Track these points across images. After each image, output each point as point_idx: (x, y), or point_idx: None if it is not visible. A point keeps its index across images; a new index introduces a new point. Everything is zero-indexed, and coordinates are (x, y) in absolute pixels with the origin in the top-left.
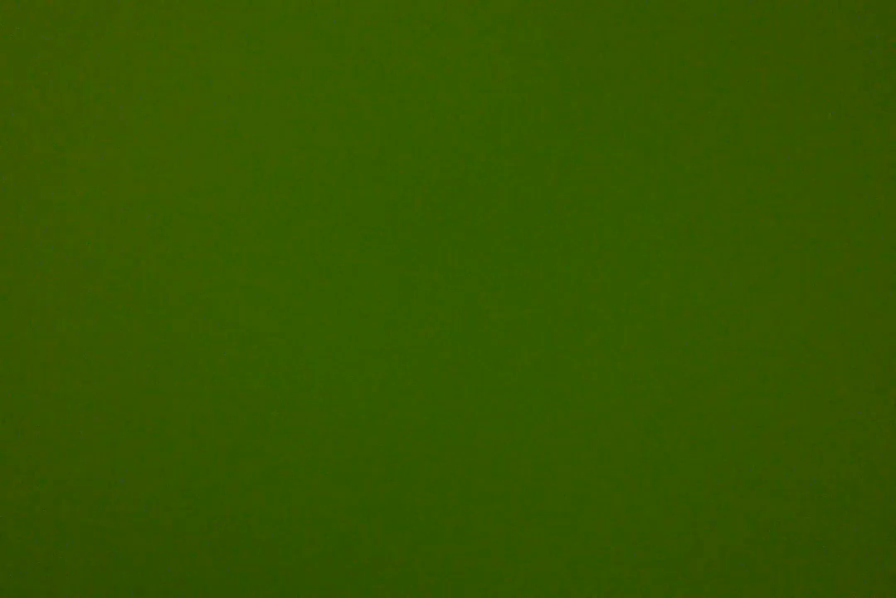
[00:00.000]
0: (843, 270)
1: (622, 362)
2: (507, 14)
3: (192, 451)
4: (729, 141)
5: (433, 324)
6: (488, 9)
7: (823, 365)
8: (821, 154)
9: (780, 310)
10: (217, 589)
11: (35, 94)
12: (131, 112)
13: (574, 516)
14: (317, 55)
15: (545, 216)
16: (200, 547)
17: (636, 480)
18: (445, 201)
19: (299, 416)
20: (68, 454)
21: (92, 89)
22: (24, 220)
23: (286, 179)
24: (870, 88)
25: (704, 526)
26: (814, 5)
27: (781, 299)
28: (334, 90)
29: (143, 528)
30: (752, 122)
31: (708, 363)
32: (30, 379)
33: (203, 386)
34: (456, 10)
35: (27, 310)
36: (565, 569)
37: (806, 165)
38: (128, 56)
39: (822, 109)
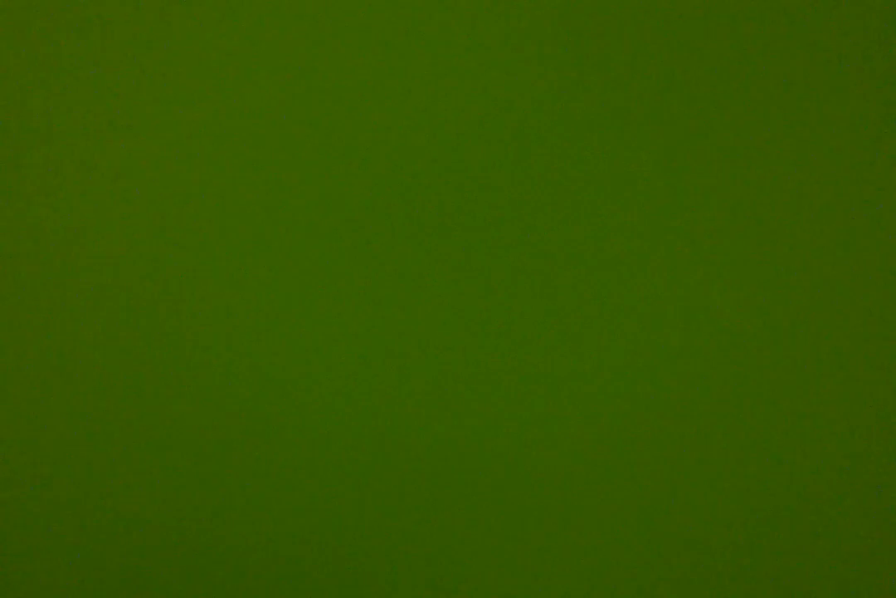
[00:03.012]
0: (845, 273)
1: (623, 365)
2: (507, 14)
3: (190, 453)
4: (734, 142)
5: (432, 326)
6: (487, 9)
7: (824, 366)
8: (822, 154)
9: (781, 311)
10: (214, 591)
11: (35, 94)
12: (131, 113)
13: (575, 519)
14: (316, 56)
15: (546, 217)
16: (197, 550)
17: (636, 481)
18: (445, 204)
19: (297, 419)
20: (66, 456)
21: (92, 90)
22: (24, 220)
23: (284, 180)
24: (872, 89)
25: (705, 528)
26: (814, 5)
27: (783, 300)
28: (334, 91)
29: (140, 531)
30: (757, 123)
31: (709, 364)
32: (27, 380)
33: (201, 389)
34: (457, 11)
35: (25, 311)
36: (566, 572)
37: (807, 166)
38: (128, 56)
39: (823, 109)
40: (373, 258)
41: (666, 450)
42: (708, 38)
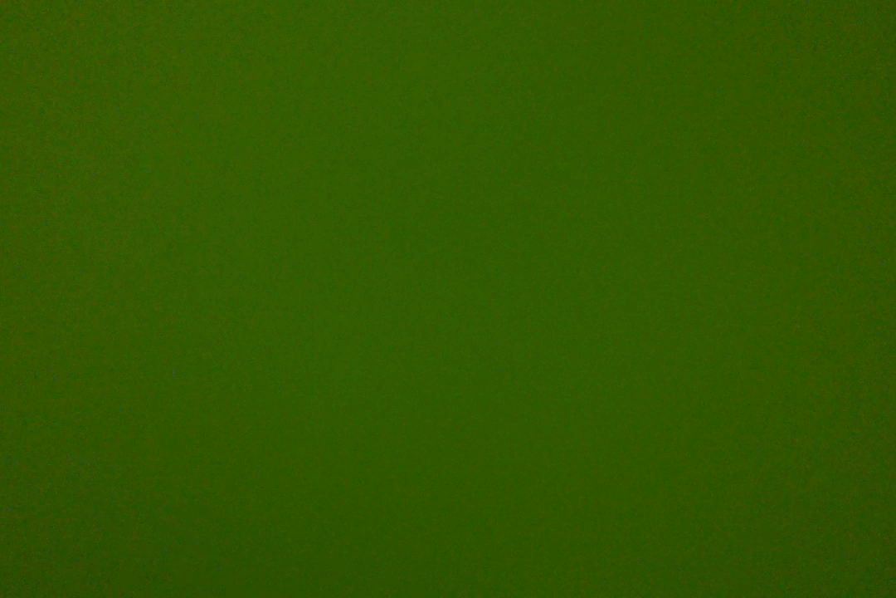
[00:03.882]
0: (846, 274)
1: (622, 365)
2: (504, 14)
3: (190, 454)
4: (730, 141)
5: (434, 325)
6: (485, 10)
7: (823, 365)
8: (823, 155)
9: (784, 312)
10: (213, 592)
11: (36, 94)
12: (131, 114)
13: (574, 521)
14: (316, 56)
15: (544, 217)
16: (196, 551)
17: (635, 482)
18: (447, 204)
19: (298, 419)
20: (65, 457)
21: (92, 90)
22: (24, 220)
23: (286, 180)
24: (870, 89)
25: (704, 528)
26: (815, 5)
27: (785, 302)
28: (334, 91)
29: (140, 531)
30: (757, 123)
31: (708, 364)
32: (28, 380)
33: (202, 389)
34: (454, 11)
35: (25, 311)
36: (566, 571)
37: (805, 163)
38: (128, 57)
39: (823, 109)
40: (374, 258)
41: (667, 450)
42: (707, 39)
